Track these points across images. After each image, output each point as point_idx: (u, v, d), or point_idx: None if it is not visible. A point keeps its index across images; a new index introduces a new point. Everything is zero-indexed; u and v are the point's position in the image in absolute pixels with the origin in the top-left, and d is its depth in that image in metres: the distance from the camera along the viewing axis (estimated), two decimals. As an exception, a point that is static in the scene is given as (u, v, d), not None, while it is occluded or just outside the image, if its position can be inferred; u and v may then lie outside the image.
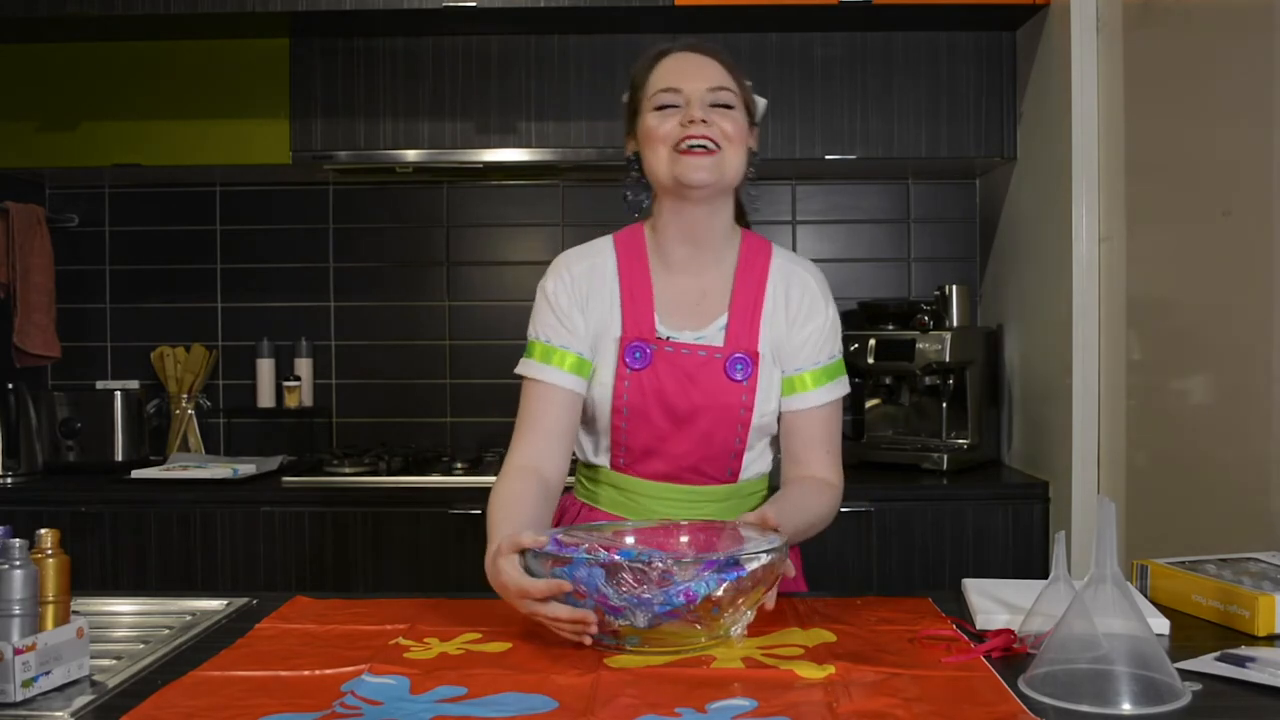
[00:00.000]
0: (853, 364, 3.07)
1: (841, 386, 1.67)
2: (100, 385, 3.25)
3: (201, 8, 2.79)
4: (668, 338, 1.61)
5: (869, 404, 3.22)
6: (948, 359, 2.90)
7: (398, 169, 3.12)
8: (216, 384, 3.39)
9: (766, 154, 2.98)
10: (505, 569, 1.30)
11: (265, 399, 3.30)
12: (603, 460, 1.67)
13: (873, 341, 3.01)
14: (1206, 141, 2.17)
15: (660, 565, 1.20)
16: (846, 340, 3.07)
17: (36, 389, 3.15)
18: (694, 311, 1.64)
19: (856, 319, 3.26)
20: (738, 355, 1.60)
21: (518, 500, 1.53)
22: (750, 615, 1.29)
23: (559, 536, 1.37)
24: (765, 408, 1.61)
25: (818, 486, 1.62)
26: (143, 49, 3.06)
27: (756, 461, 1.67)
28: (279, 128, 3.03)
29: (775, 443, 1.69)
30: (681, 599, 1.20)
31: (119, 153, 3.07)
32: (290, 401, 3.27)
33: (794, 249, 3.36)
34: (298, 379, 3.29)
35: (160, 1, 2.78)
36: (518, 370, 1.65)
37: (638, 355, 1.59)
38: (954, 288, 3.07)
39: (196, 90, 3.06)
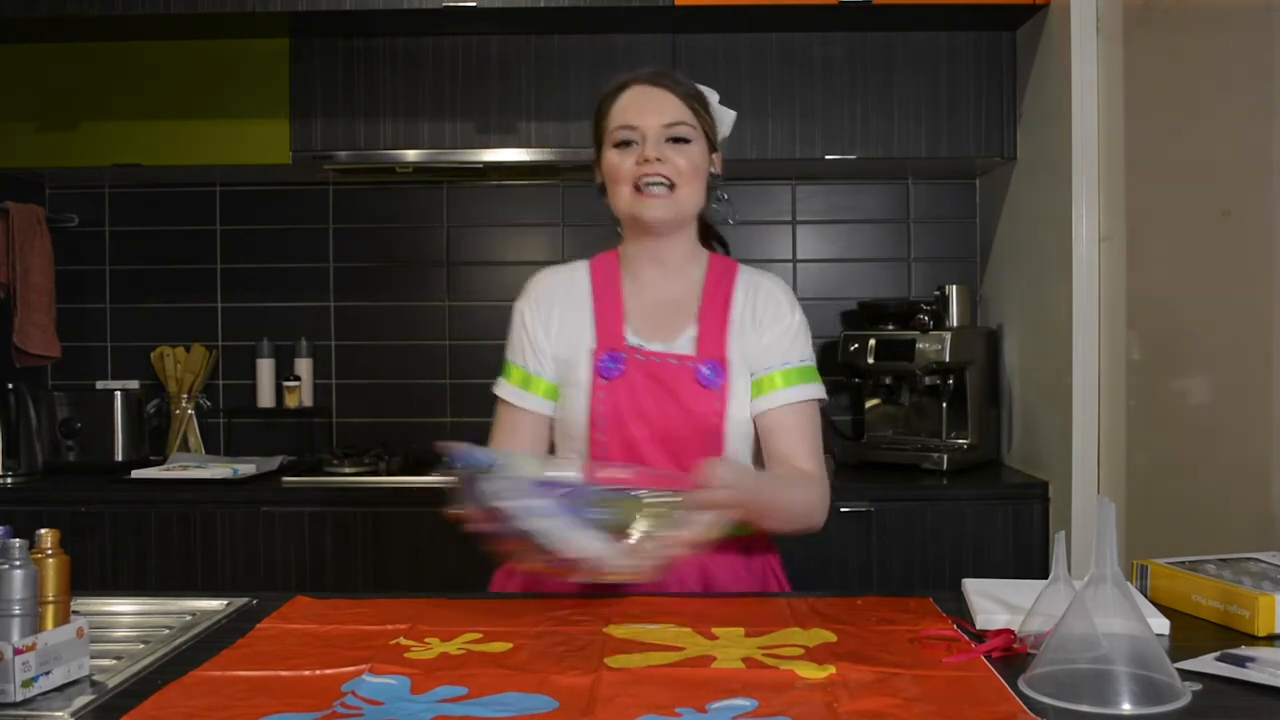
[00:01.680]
0: (853, 364, 3.07)
1: (815, 390, 1.67)
2: (100, 385, 3.25)
3: (201, 8, 2.79)
4: (639, 346, 1.64)
5: (869, 404, 3.21)
6: (948, 359, 2.90)
7: (398, 169, 3.11)
8: (216, 384, 3.39)
9: (767, 154, 3.00)
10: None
11: (265, 399, 3.30)
12: None
13: (873, 341, 3.01)
14: (1206, 141, 2.17)
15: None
16: (846, 340, 3.08)
17: (36, 389, 3.15)
18: (664, 324, 1.67)
19: (856, 319, 3.26)
20: (708, 362, 1.62)
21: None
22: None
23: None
24: (739, 415, 1.62)
25: (798, 471, 1.62)
26: (143, 49, 3.06)
27: None
28: (279, 128, 3.03)
29: (758, 459, 1.69)
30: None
31: (119, 153, 3.07)
32: (290, 401, 3.27)
33: (794, 249, 3.39)
34: (298, 379, 3.29)
35: (160, 1, 2.79)
36: (496, 391, 1.71)
37: (610, 365, 1.62)
38: (954, 288, 3.07)
39: (196, 90, 3.06)
